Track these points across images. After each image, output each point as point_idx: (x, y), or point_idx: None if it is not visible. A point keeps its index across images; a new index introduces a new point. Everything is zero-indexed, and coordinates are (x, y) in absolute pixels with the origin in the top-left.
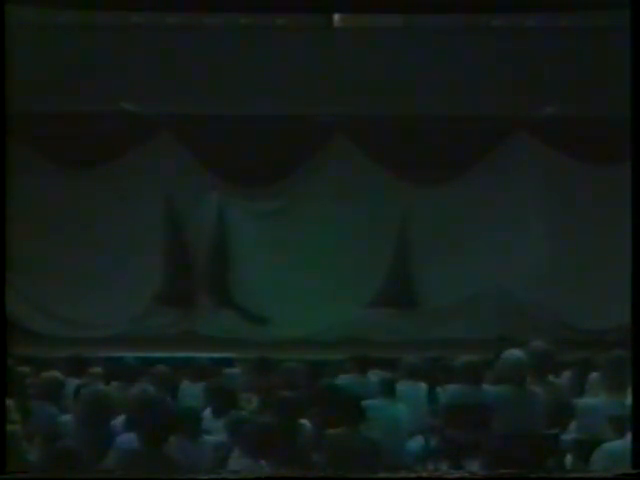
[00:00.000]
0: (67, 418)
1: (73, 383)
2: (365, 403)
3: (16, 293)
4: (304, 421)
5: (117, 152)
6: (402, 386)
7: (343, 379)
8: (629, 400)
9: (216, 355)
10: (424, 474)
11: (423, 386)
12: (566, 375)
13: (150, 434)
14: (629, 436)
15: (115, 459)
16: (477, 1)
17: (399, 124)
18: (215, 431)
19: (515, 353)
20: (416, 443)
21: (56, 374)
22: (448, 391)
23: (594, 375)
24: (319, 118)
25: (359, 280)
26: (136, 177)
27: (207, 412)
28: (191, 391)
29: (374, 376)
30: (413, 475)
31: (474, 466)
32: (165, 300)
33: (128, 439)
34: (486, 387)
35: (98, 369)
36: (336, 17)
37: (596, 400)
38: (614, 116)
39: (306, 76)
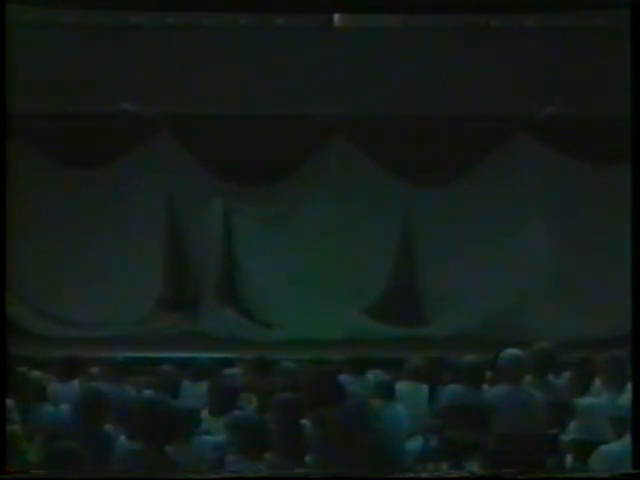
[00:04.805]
0: (67, 418)
1: (73, 383)
2: (365, 404)
3: (16, 293)
4: (304, 421)
5: (117, 152)
6: (402, 386)
7: (343, 380)
8: (629, 400)
9: (217, 355)
10: (424, 474)
11: (423, 386)
12: (566, 375)
13: (150, 434)
14: (629, 436)
15: (115, 459)
16: (477, 1)
17: (399, 124)
18: (215, 431)
19: (513, 352)
20: (416, 443)
21: (56, 374)
22: (448, 391)
23: (594, 375)
24: (319, 118)
25: (360, 281)
26: (136, 177)
27: (207, 412)
28: (192, 391)
29: (374, 377)
30: (413, 475)
31: (474, 466)
32: (166, 300)
33: (128, 439)
34: (486, 387)
35: (98, 369)
36: (336, 17)
37: (596, 400)
38: (614, 116)
39: (306, 76)
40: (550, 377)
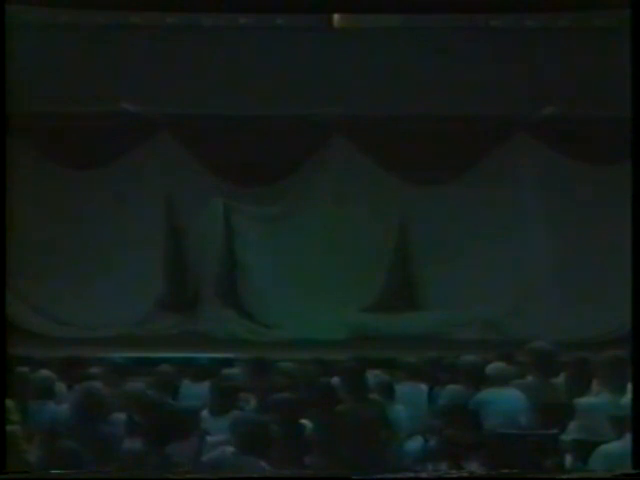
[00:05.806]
0: (67, 418)
1: (73, 383)
2: (365, 403)
3: (16, 293)
4: (304, 421)
5: (117, 152)
6: (402, 387)
7: (343, 379)
8: (629, 400)
9: (217, 355)
10: (424, 474)
11: (423, 387)
12: (566, 375)
13: (150, 434)
14: (629, 436)
15: (115, 459)
16: (477, 1)
17: (399, 124)
18: (215, 431)
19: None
20: (416, 443)
21: (56, 374)
22: (447, 392)
23: (594, 375)
24: (319, 118)
25: (359, 281)
26: (136, 177)
27: (207, 412)
28: (191, 391)
29: (374, 377)
30: (413, 475)
31: (474, 466)
32: (166, 301)
33: (128, 439)
34: (485, 387)
35: (99, 369)
36: (336, 17)
37: (596, 400)
38: (614, 116)
39: (306, 76)
40: (550, 377)
